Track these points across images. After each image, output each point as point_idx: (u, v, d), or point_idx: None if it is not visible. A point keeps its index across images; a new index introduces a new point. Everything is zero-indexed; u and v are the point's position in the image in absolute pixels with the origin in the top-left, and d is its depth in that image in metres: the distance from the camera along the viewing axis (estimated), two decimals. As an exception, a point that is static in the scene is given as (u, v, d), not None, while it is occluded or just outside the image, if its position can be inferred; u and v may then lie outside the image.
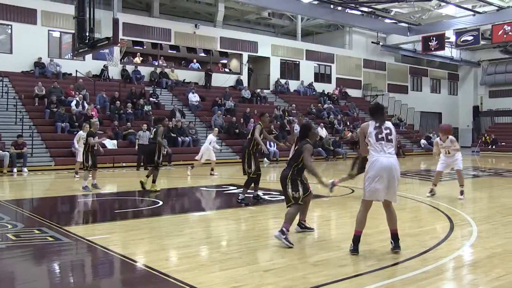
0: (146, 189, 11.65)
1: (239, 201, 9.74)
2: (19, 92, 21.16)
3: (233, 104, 26.37)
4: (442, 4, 30.45)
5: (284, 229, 6.26)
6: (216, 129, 18.65)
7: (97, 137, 12.39)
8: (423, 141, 31.45)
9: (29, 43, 22.78)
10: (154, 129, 12.06)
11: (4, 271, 5.35)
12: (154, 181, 11.88)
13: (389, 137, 5.84)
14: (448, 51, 37.99)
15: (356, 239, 5.82)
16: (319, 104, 31.00)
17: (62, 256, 5.94)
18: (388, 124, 5.96)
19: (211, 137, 16.89)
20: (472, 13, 30.56)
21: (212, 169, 16.65)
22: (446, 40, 33.05)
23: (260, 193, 10.19)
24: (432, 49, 33.37)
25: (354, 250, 5.78)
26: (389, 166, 5.71)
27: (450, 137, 10.65)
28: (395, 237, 5.88)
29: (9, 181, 15.03)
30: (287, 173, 6.47)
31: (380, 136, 5.82)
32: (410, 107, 36.29)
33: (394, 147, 5.86)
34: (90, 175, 12.13)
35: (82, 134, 14.69)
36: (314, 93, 32.93)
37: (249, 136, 9.98)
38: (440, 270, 5.20)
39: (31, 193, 13.07)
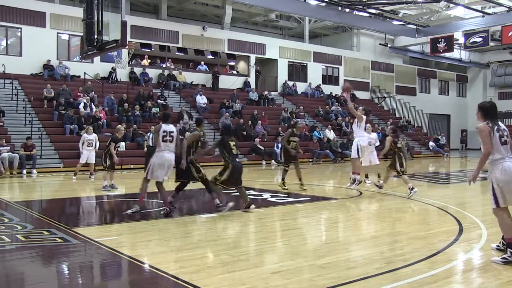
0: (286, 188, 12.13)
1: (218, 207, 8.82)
2: (28, 94, 21.32)
3: (240, 106, 26.40)
4: (451, 5, 30.32)
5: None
6: (369, 125, 15.11)
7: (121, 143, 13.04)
8: (431, 143, 31.30)
9: (38, 45, 22.98)
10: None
11: (13, 271, 5.40)
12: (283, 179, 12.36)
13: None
14: (457, 53, 37.83)
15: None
16: (327, 106, 30.96)
17: (70, 257, 5.96)
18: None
19: (373, 135, 14.46)
20: (481, 14, 30.44)
21: (378, 175, 13.83)
22: (454, 42, 32.90)
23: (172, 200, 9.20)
24: (441, 50, 33.22)
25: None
26: None
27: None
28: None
29: (18, 182, 15.15)
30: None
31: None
32: (418, 109, 36.16)
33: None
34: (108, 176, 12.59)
35: (86, 136, 15.06)
36: (321, 95, 32.90)
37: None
38: (448, 273, 5.17)
39: (40, 194, 13.14)
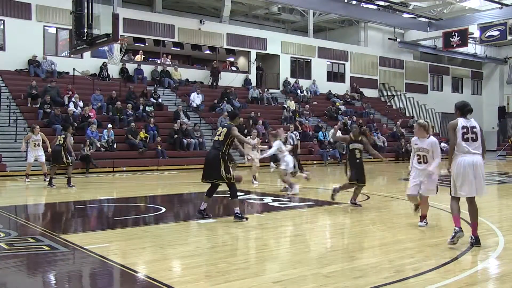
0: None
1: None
2: (12, 91, 21.30)
3: (240, 105, 26.37)
4: (465, -4, 30.22)
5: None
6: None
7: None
8: (443, 144, 31.03)
9: (23, 39, 22.82)
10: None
11: (-3, 281, 5.40)
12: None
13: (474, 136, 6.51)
14: (472, 48, 37.78)
15: None
16: (334, 105, 30.82)
17: (58, 266, 5.96)
18: (474, 122, 6.58)
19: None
20: (498, 5, 30.05)
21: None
22: (469, 36, 32.74)
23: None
24: (454, 45, 33.08)
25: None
26: (472, 163, 6.46)
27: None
28: None
29: (1, 186, 15.14)
30: None
31: (466, 136, 6.45)
32: (430, 108, 36.11)
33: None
34: None
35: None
36: (326, 93, 32.86)
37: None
38: (463, 283, 5.15)
39: (25, 199, 13.13)
